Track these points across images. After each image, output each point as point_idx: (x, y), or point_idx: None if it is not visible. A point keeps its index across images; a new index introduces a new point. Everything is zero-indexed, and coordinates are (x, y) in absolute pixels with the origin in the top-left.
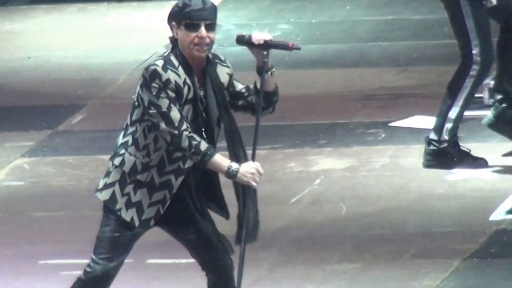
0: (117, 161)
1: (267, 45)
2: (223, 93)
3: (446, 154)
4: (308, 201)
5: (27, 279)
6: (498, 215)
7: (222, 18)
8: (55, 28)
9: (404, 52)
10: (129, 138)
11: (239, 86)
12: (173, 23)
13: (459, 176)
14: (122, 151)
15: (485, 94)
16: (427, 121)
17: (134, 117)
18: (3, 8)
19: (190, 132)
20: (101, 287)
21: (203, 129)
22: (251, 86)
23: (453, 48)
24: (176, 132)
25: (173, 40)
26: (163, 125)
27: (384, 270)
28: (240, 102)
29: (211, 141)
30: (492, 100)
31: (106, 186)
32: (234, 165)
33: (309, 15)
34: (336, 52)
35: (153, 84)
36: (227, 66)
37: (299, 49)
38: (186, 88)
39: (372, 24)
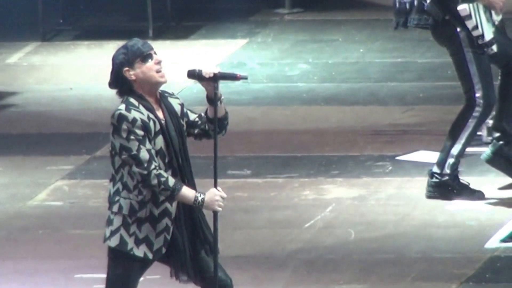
0: (115, 208)
1: (216, 77)
2: (178, 120)
3: (447, 186)
4: (320, 226)
5: None
6: (493, 243)
7: (246, 57)
8: (96, 63)
9: (411, 92)
10: (119, 185)
11: (193, 116)
12: (126, 68)
13: (458, 206)
14: (117, 198)
15: (484, 132)
16: (430, 156)
17: (116, 165)
18: (49, 43)
19: (158, 170)
20: None
21: (174, 158)
22: (203, 114)
23: (456, 90)
24: (145, 172)
25: (126, 89)
26: (134, 167)
27: None
28: (196, 131)
29: (180, 169)
30: (490, 138)
31: (112, 233)
32: (200, 196)
33: (326, 56)
34: (349, 90)
35: (123, 127)
36: (177, 98)
37: (246, 78)
38: (151, 123)
39: (383, 66)
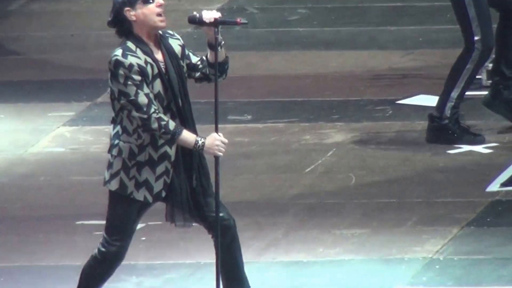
0: (115, 151)
1: (216, 23)
2: (178, 61)
3: (447, 130)
4: (321, 171)
5: (65, 238)
6: (494, 187)
7: (246, 2)
8: (97, 9)
9: (411, 36)
10: (118, 128)
11: (195, 59)
12: (127, 8)
13: (459, 150)
14: (116, 141)
15: (483, 76)
16: (430, 100)
17: (116, 109)
18: None
19: (158, 114)
20: (116, 263)
21: (173, 101)
22: (204, 58)
23: (455, 33)
24: (145, 116)
25: (126, 29)
26: (134, 112)
27: (389, 235)
28: (197, 74)
29: (180, 112)
30: (489, 81)
31: (112, 177)
32: (200, 140)
33: (325, 0)
34: (349, 35)
35: (120, 73)
36: (178, 39)
37: (246, 23)
38: (149, 67)
39: (382, 10)
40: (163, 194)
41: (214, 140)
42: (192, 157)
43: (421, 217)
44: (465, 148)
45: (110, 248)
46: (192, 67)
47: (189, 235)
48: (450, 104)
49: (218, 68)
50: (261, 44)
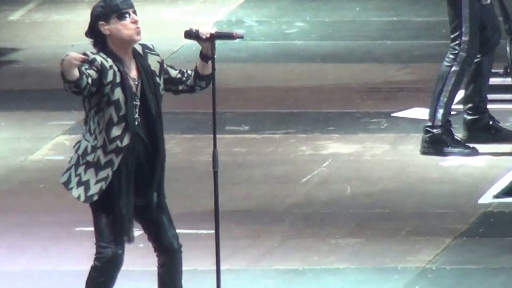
0: (76, 147)
1: (213, 37)
2: (154, 79)
3: (440, 142)
4: (316, 181)
5: (64, 244)
6: (486, 198)
7: (244, 15)
8: None
9: (407, 50)
10: (86, 126)
11: (174, 72)
12: (101, 22)
13: (452, 162)
14: (81, 138)
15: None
16: (425, 113)
17: (86, 108)
18: (51, 0)
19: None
20: (116, 268)
21: (136, 114)
22: (189, 71)
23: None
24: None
25: (99, 41)
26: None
27: (383, 245)
28: (181, 87)
29: (151, 124)
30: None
31: (66, 170)
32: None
33: (323, 14)
34: (346, 48)
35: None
36: (157, 54)
37: (242, 37)
38: (111, 72)
39: (379, 24)
40: (95, 198)
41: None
42: (154, 173)
43: (414, 227)
44: (458, 160)
45: (105, 251)
46: (172, 81)
47: (186, 242)
48: (440, 110)
49: (205, 80)
50: (260, 56)
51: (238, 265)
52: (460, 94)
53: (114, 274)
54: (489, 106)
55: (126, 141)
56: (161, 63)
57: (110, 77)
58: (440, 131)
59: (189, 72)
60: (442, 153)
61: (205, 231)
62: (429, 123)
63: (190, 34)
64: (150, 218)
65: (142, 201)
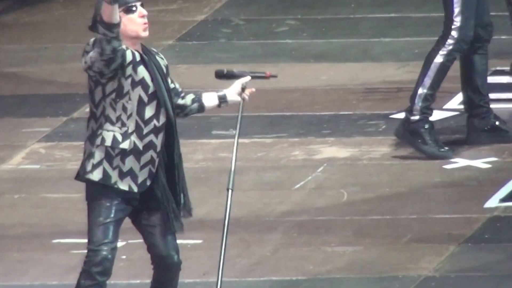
0: (97, 141)
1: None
2: (165, 77)
3: (417, 134)
4: (311, 187)
5: (41, 256)
6: (492, 203)
7: (232, 13)
8: (71, 21)
9: (406, 48)
10: (102, 119)
11: (171, 85)
12: None
13: (455, 165)
14: (99, 131)
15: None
16: None
17: (97, 99)
18: (22, 1)
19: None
20: (106, 273)
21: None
22: (181, 91)
23: None
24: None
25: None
26: (93, 54)
27: (383, 253)
28: (174, 100)
29: (169, 124)
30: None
31: (94, 167)
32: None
33: (316, 11)
34: (341, 47)
35: (88, 44)
36: (162, 58)
37: (275, 76)
38: (129, 52)
39: (376, 21)
40: (148, 182)
41: None
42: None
43: (416, 234)
44: (462, 163)
45: (94, 255)
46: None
47: None
48: (421, 94)
49: (196, 113)
50: (248, 56)
51: (227, 277)
52: (460, 95)
53: (102, 281)
54: (494, 106)
55: (162, 119)
56: (166, 67)
57: (129, 56)
58: (417, 119)
59: (183, 94)
60: (415, 146)
61: (191, 241)
62: (409, 103)
63: (221, 75)
64: (154, 223)
65: (155, 203)
